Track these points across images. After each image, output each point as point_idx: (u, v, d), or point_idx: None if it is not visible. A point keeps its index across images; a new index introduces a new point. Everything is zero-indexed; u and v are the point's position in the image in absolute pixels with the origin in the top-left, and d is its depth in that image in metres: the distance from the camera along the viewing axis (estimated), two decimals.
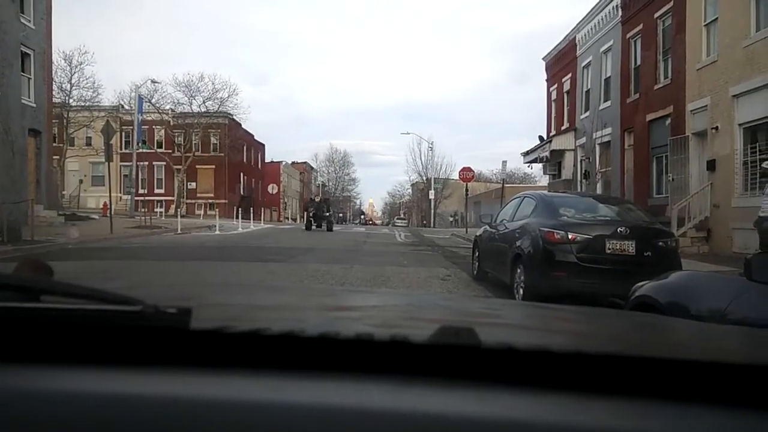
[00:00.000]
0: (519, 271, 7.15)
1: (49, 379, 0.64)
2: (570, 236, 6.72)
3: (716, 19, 13.93)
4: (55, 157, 26.39)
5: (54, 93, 26.20)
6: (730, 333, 1.42)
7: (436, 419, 0.57)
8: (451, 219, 50.25)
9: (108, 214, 19.95)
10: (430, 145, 50.37)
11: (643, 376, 0.66)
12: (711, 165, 13.79)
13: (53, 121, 25.35)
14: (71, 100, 34.40)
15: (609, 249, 6.69)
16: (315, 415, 0.58)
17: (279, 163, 59.69)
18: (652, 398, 0.63)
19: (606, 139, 20.22)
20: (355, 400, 0.61)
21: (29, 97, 19.41)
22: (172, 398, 0.60)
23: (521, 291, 7.02)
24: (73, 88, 34.10)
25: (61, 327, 0.69)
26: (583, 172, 21.78)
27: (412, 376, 0.65)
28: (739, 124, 13.00)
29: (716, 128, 13.65)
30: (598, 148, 20.89)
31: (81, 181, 38.30)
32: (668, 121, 16.00)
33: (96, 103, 36.17)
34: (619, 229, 6.83)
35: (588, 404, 0.62)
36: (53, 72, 25.05)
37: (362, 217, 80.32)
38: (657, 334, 1.27)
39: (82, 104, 35.42)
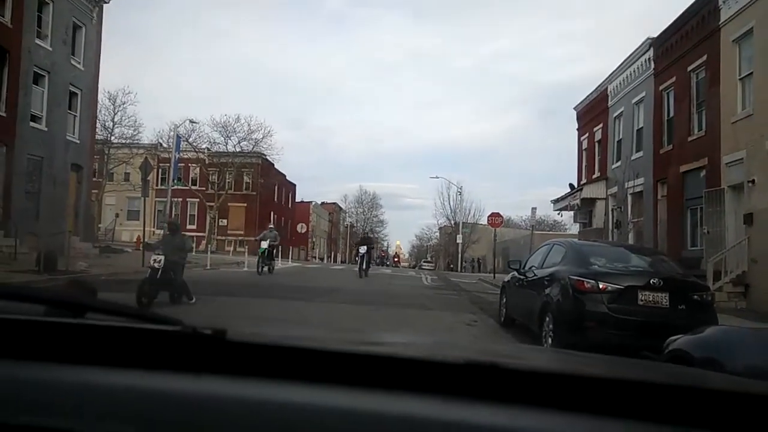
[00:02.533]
0: (548, 319, 7.01)
1: (88, 374, 0.67)
2: (601, 286, 6.59)
3: (751, 73, 13.87)
4: (93, 191, 27.26)
5: (97, 130, 27.30)
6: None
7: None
8: (466, 264, 48.61)
9: (141, 248, 20.37)
10: (459, 190, 50.50)
11: (664, 402, 0.66)
12: (748, 219, 13.47)
13: (94, 156, 26.33)
14: (112, 138, 35.74)
15: (641, 300, 6.54)
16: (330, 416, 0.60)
17: (309, 203, 60.47)
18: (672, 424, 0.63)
19: (638, 189, 19.98)
20: (374, 407, 0.62)
21: (74, 134, 20.27)
22: (198, 397, 0.63)
23: (549, 340, 6.87)
24: (116, 126, 35.51)
25: (104, 342, 0.73)
26: (615, 221, 21.48)
27: (436, 391, 0.66)
28: None
29: (753, 181, 13.38)
30: (630, 197, 20.64)
31: (117, 215, 39.36)
32: (703, 173, 15.77)
33: (136, 141, 37.49)
34: (652, 281, 6.67)
35: (608, 425, 0.63)
36: (98, 110, 26.19)
37: (383, 257, 66.50)
38: (690, 380, 1.25)
39: (123, 141, 36.75)
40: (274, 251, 19.15)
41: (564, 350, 1.59)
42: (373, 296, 12.86)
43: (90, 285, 0.99)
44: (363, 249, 20.36)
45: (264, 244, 17.64)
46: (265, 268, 17.61)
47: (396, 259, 68.36)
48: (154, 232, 37.71)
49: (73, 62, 19.89)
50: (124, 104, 35.27)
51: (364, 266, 20.05)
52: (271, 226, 19.09)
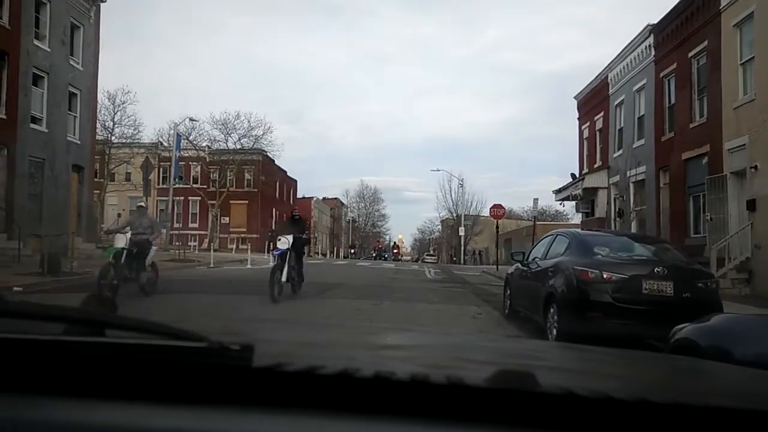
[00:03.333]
0: (552, 310, 7.00)
1: (108, 414, 0.65)
2: (605, 275, 6.58)
3: (752, 58, 13.79)
4: (95, 191, 27.29)
5: (97, 130, 27.31)
6: None
7: None
8: (467, 256, 48.16)
9: None
10: (461, 182, 50.44)
11: (702, 425, 0.65)
12: (751, 205, 13.43)
13: (95, 157, 26.35)
14: (113, 138, 35.74)
15: (646, 289, 6.52)
16: None
17: (310, 198, 60.49)
18: None
19: (640, 177, 19.93)
20: None
21: (74, 135, 20.28)
22: None
23: (554, 331, 6.86)
24: (116, 126, 35.49)
25: (128, 361, 0.70)
26: (617, 210, 21.44)
27: (471, 420, 0.64)
28: None
29: (755, 167, 13.34)
30: (632, 186, 20.59)
31: (119, 215, 39.30)
32: (705, 160, 15.73)
33: (136, 140, 37.49)
34: (656, 269, 6.66)
35: None
36: (98, 111, 26.18)
37: (379, 249, 58.21)
38: (705, 380, 1.24)
39: (123, 141, 36.75)
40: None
41: (578, 346, 1.59)
42: (378, 291, 12.88)
43: (109, 299, 0.96)
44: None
45: (119, 242, 9.68)
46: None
47: (396, 251, 62.83)
48: None
49: (71, 62, 19.87)
50: (123, 104, 35.29)
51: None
52: (141, 204, 11.04)
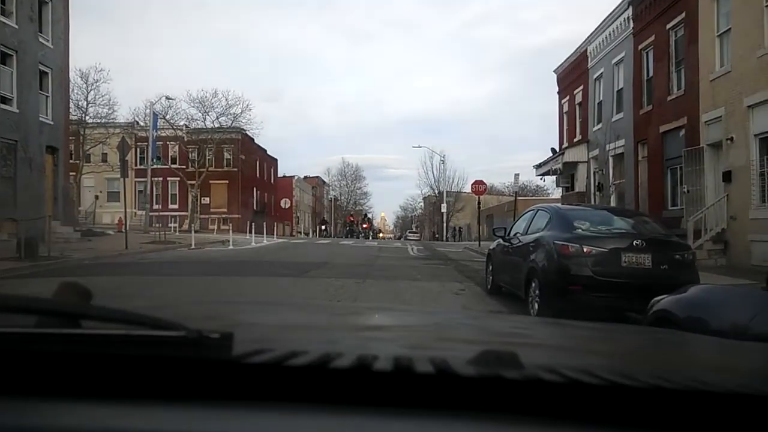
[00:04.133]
0: (534, 285, 7.09)
1: (83, 416, 0.62)
2: (585, 249, 6.66)
3: (729, 29, 13.87)
4: (71, 173, 26.75)
5: (71, 110, 26.66)
6: (754, 350, 1.40)
7: None
8: (449, 233, 47.42)
9: (123, 230, 20.15)
10: (442, 159, 50.45)
11: (689, 409, 0.65)
12: (727, 176, 13.65)
13: (70, 138, 25.75)
14: (87, 117, 34.88)
15: (625, 262, 6.63)
16: None
17: (291, 177, 60.06)
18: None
19: (619, 151, 20.11)
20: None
21: (47, 115, 19.76)
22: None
23: (536, 306, 6.96)
24: (90, 105, 34.61)
25: (100, 354, 0.67)
26: (597, 184, 21.65)
27: (455, 404, 0.64)
28: (755, 135, 12.87)
29: (731, 139, 13.52)
30: (611, 160, 20.78)
31: (97, 197, 38.77)
32: (682, 133, 15.90)
33: (111, 120, 36.66)
34: (634, 242, 6.76)
35: None
36: (70, 90, 25.50)
37: (351, 224, 52.68)
38: (682, 353, 1.27)
39: (98, 121, 35.91)
40: None
41: (561, 321, 1.62)
42: (362, 269, 12.91)
43: (83, 288, 0.92)
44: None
45: None
46: None
47: (365, 225, 54.42)
48: (135, 213, 37.28)
49: (41, 40, 19.25)
50: (97, 82, 34.34)
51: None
52: None
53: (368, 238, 36.40)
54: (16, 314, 0.73)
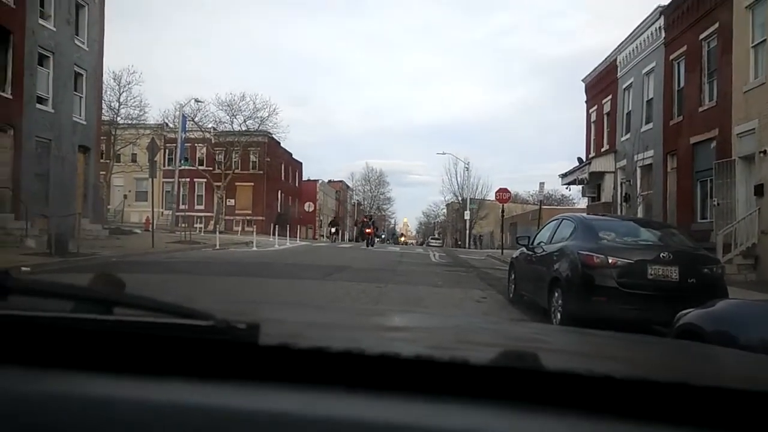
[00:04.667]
0: (557, 295, 7.01)
1: (118, 387, 0.66)
2: (610, 260, 6.57)
3: (764, 40, 13.58)
4: (101, 172, 27.35)
5: (103, 111, 27.28)
6: None
7: None
8: (472, 241, 46.32)
9: (150, 229, 20.50)
10: (467, 166, 50.21)
11: (704, 406, 0.64)
12: (759, 190, 13.32)
13: (101, 138, 26.35)
14: (119, 118, 35.70)
15: (651, 274, 6.51)
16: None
17: (316, 181, 60.40)
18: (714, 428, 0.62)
19: (648, 161, 19.78)
20: (417, 419, 0.61)
21: (80, 115, 20.26)
22: (237, 411, 0.61)
23: (559, 315, 6.87)
24: (121, 106, 35.42)
25: (135, 339, 0.71)
26: (624, 195, 21.32)
27: (474, 398, 0.65)
28: None
29: (765, 152, 13.21)
30: (639, 170, 20.45)
31: (125, 197, 39.57)
32: (713, 144, 15.58)
33: (142, 122, 37.44)
34: (661, 254, 6.64)
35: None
36: (103, 91, 26.11)
37: (363, 223, 40.95)
38: (709, 364, 1.24)
39: (129, 122, 36.71)
40: None
41: (583, 330, 1.60)
42: (383, 274, 12.91)
43: (117, 279, 0.96)
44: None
45: None
46: None
47: (369, 231, 45.45)
48: (162, 213, 37.91)
49: (77, 42, 19.78)
50: (129, 84, 35.17)
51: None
52: None
53: (372, 244, 29.94)
54: (57, 299, 0.77)
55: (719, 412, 0.64)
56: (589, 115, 26.59)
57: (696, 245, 7.63)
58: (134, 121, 36.79)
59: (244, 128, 41.52)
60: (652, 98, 19.83)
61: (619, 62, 22.62)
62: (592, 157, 24.55)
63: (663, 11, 18.82)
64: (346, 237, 46.41)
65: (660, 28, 19.10)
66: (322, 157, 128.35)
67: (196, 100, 37.98)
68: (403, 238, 63.58)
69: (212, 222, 36.21)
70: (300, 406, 0.62)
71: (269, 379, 0.68)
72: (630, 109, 21.69)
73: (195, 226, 30.03)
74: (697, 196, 16.77)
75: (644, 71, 20.33)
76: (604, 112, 24.43)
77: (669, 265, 6.54)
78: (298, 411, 0.61)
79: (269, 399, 0.64)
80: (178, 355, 0.70)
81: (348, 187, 76.30)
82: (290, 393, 0.65)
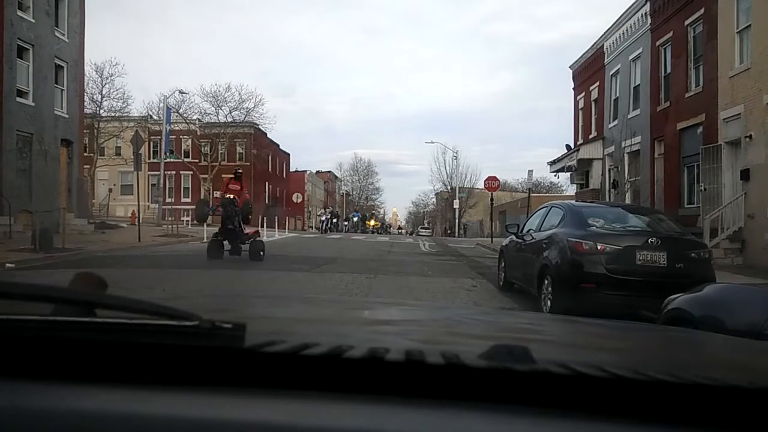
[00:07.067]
0: (546, 282, 7.02)
1: (100, 399, 0.62)
2: (599, 247, 6.58)
3: (749, 26, 13.62)
4: (85, 166, 27.01)
5: (85, 104, 26.89)
6: None
7: None
8: (461, 230, 46.11)
9: (136, 223, 20.30)
10: (455, 154, 50.21)
11: (698, 403, 0.63)
12: (745, 174, 13.43)
13: (84, 131, 25.98)
14: (102, 111, 35.21)
15: (639, 260, 6.54)
16: None
17: (304, 172, 60.16)
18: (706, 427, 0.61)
19: (635, 147, 19.87)
20: (408, 425, 0.59)
21: (62, 108, 19.93)
22: (227, 421, 0.58)
23: (549, 303, 6.89)
24: (104, 99, 34.93)
25: (115, 345, 0.68)
26: (612, 181, 21.43)
27: (465, 396, 0.63)
28: None
29: (750, 137, 13.30)
30: (626, 157, 20.54)
31: (110, 190, 39.12)
32: (700, 130, 15.67)
33: (126, 114, 36.97)
34: (649, 240, 6.67)
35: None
36: (85, 83, 25.71)
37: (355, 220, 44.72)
38: (694, 351, 1.25)
39: (112, 115, 36.22)
40: None
41: (573, 318, 1.61)
42: (373, 264, 12.89)
43: (98, 278, 0.92)
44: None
45: None
46: None
47: (372, 222, 46.71)
48: (148, 206, 37.57)
49: (57, 34, 19.41)
50: (111, 76, 34.66)
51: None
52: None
53: (336, 230, 30.99)
54: (33, 302, 0.74)
55: (708, 407, 0.63)
56: (576, 102, 26.65)
57: (683, 230, 7.66)
58: (118, 114, 36.32)
59: (229, 119, 41.17)
60: (639, 84, 19.89)
61: (606, 49, 22.64)
62: (580, 144, 24.63)
63: None
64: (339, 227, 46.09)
65: (646, 14, 19.11)
66: (310, 147, 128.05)
67: (181, 92, 37.59)
68: (372, 222, 61.44)
69: None
70: (287, 415, 0.60)
71: (255, 384, 0.65)
72: (617, 95, 21.74)
73: (182, 219, 29.77)
74: (684, 182, 16.88)
75: (631, 57, 20.37)
76: (592, 98, 24.49)
77: (657, 250, 6.57)
78: (287, 421, 0.59)
79: (258, 407, 0.61)
80: (158, 359, 0.67)
81: (336, 177, 76.13)
82: (278, 400, 0.63)
